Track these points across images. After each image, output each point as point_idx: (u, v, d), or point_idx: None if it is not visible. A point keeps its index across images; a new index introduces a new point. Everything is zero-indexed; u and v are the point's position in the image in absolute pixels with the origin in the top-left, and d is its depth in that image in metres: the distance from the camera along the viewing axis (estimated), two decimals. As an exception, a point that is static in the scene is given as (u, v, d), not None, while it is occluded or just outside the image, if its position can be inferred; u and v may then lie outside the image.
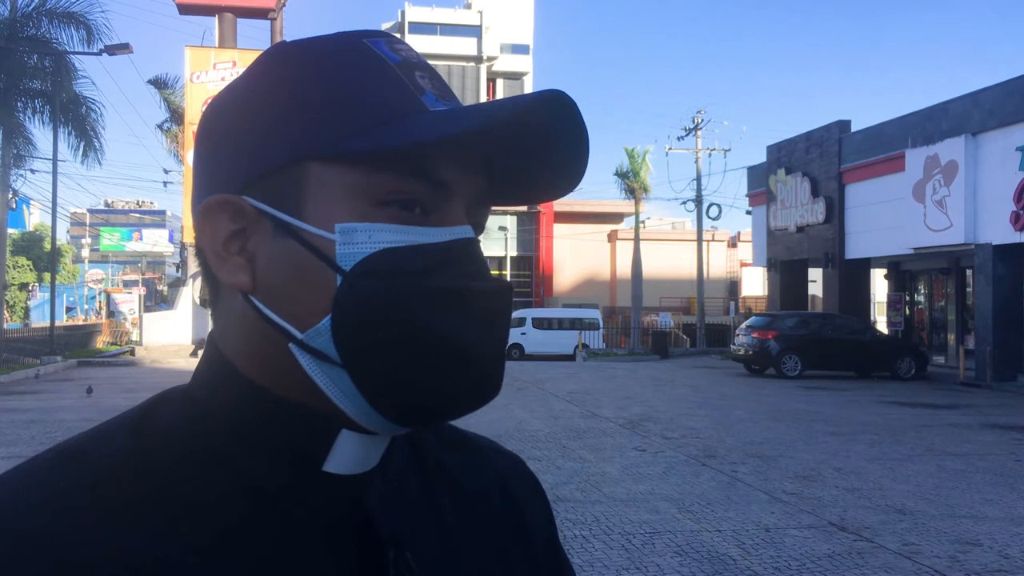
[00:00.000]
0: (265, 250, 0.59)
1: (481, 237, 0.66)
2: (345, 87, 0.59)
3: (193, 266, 26.97)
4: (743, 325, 22.86)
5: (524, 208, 47.15)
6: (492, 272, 0.62)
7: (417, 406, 0.58)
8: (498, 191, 0.65)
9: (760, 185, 29.18)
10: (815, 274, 28.09)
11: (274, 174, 0.58)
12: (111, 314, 40.67)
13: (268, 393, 0.60)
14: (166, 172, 43.29)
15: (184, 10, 27.83)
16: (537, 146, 0.62)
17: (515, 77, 58.29)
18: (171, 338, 27.12)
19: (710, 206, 36.50)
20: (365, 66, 0.60)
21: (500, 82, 57.96)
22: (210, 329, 0.65)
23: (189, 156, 25.82)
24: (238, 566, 0.56)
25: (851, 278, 24.78)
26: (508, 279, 0.62)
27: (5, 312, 27.45)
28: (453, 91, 0.64)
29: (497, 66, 58.00)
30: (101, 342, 33.78)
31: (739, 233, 50.14)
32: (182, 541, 0.55)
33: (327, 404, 0.58)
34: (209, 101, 0.64)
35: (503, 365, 0.61)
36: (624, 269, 43.36)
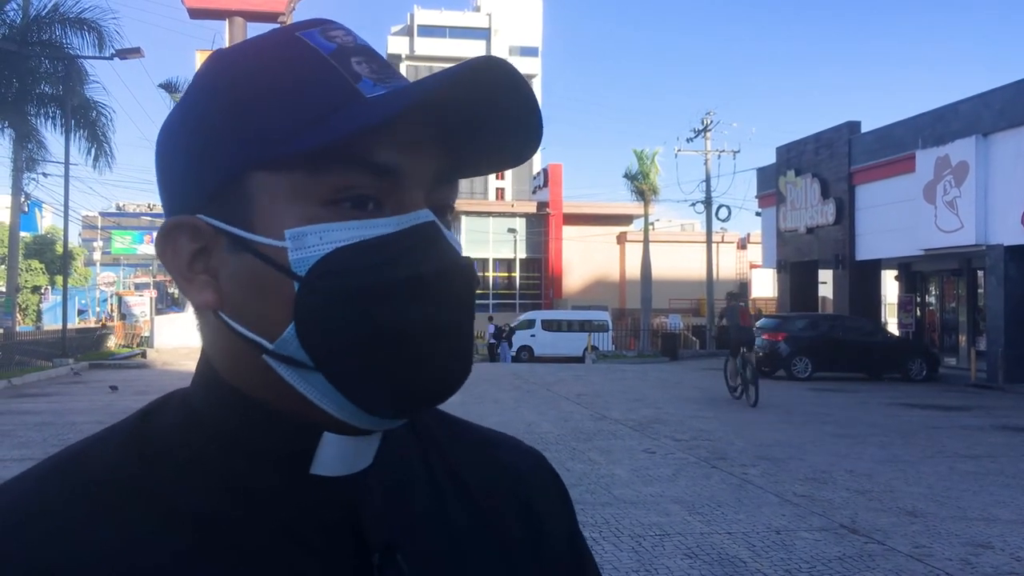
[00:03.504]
0: (225, 266, 0.59)
1: (463, 221, 0.65)
2: (276, 88, 0.58)
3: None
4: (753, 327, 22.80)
5: (534, 210, 47.17)
6: (460, 250, 0.61)
7: (395, 397, 0.58)
8: (461, 167, 0.63)
9: (770, 186, 29.11)
10: (825, 275, 27.98)
11: (222, 188, 0.58)
12: (123, 316, 40.80)
13: (250, 400, 0.60)
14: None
15: (194, 14, 27.92)
16: (482, 116, 0.60)
17: (524, 79, 58.26)
18: (182, 340, 27.24)
19: (719, 208, 36.48)
20: (296, 62, 0.59)
21: (509, 84, 57.94)
22: None
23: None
24: (220, 570, 0.56)
25: (861, 279, 24.69)
26: (468, 257, 0.61)
27: (17, 315, 27.61)
28: (396, 70, 0.62)
29: (506, 68, 57.94)
30: (113, 344, 33.93)
31: (749, 235, 50.05)
32: (165, 547, 0.55)
33: (308, 408, 0.59)
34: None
35: (471, 345, 0.60)
36: (633, 271, 43.31)
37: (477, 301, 0.66)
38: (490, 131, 0.62)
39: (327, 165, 0.56)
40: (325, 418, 0.59)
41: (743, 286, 49.34)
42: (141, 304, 41.25)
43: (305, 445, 0.60)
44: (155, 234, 0.61)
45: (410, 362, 0.57)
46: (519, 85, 0.58)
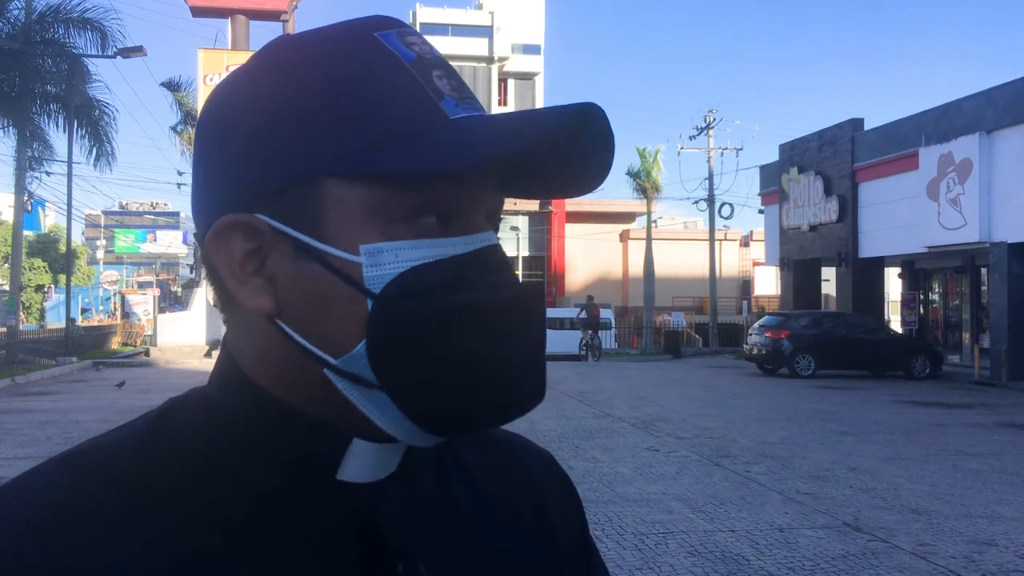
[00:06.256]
0: (286, 272, 0.56)
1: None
2: (360, 95, 0.55)
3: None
4: (756, 324, 22.78)
5: (536, 208, 47.13)
6: (524, 281, 0.60)
7: (462, 419, 0.56)
8: (517, 190, 0.63)
9: (772, 184, 29.07)
10: (828, 273, 27.97)
11: (288, 190, 0.55)
12: (126, 315, 40.80)
13: (282, 404, 0.58)
14: (180, 174, 43.53)
15: (197, 13, 27.94)
16: (565, 156, 0.59)
17: (526, 77, 58.28)
18: (185, 339, 27.22)
19: (722, 205, 36.40)
20: (379, 68, 0.56)
21: (511, 82, 57.98)
22: (224, 332, 0.64)
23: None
24: (238, 574, 0.55)
25: (865, 277, 24.65)
26: (538, 284, 0.61)
27: (21, 313, 27.65)
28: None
29: (508, 66, 57.98)
30: (116, 343, 33.95)
31: (752, 232, 49.95)
32: (183, 549, 0.54)
33: (352, 420, 0.57)
34: (207, 99, 0.61)
35: (545, 367, 0.59)
36: (636, 269, 43.26)
37: None
38: (565, 169, 0.61)
39: (409, 186, 0.54)
40: (370, 430, 0.57)
41: (746, 284, 49.32)
42: (144, 303, 41.24)
43: (332, 450, 0.59)
44: (210, 231, 0.57)
45: (480, 386, 0.55)
46: (608, 134, 0.58)
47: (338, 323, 0.55)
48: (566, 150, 0.58)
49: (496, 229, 0.61)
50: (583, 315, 26.68)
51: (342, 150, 0.54)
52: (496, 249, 0.58)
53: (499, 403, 0.57)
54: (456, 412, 0.56)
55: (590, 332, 26.55)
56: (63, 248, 40.37)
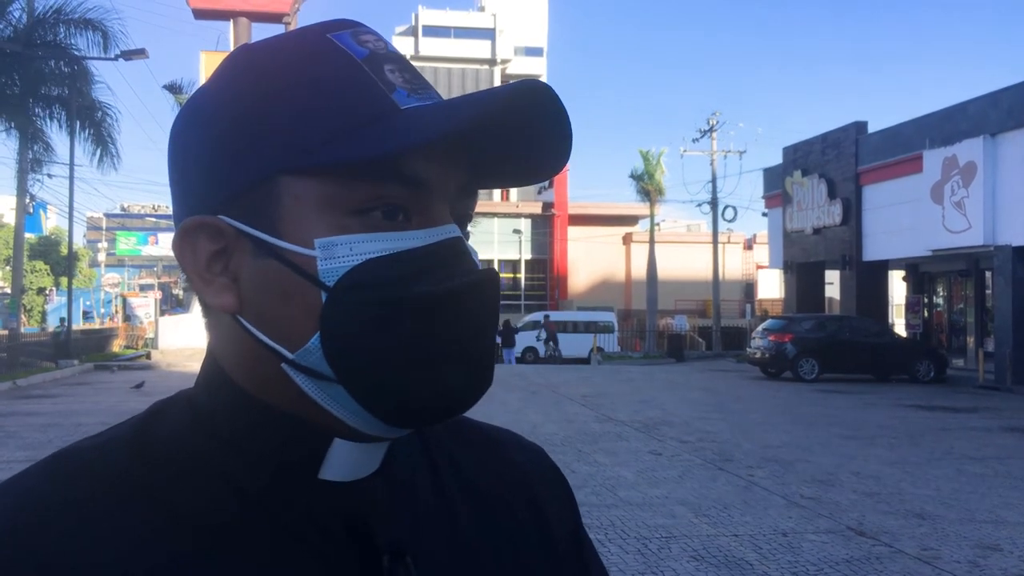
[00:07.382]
0: (247, 270, 0.58)
1: (471, 227, 0.64)
2: (311, 93, 0.57)
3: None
4: (759, 328, 22.74)
5: (539, 211, 47.14)
6: (480, 262, 0.60)
7: (417, 410, 0.57)
8: (483, 179, 0.63)
9: (776, 187, 29.05)
10: (832, 276, 27.91)
11: (248, 190, 0.57)
12: (127, 318, 40.86)
13: (262, 403, 0.59)
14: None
15: (199, 15, 28.01)
16: (517, 136, 0.60)
17: (529, 80, 58.37)
18: (186, 341, 27.24)
19: (725, 208, 36.41)
20: (330, 66, 0.58)
21: (514, 85, 58.06)
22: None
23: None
24: (225, 574, 0.55)
25: (868, 280, 24.62)
26: (494, 269, 0.60)
27: (22, 316, 27.66)
28: (429, 82, 0.62)
29: (511, 69, 58.07)
30: (117, 345, 33.97)
31: (755, 235, 49.97)
32: (173, 548, 0.55)
33: (322, 416, 0.58)
34: (174, 121, 0.63)
35: (493, 357, 0.60)
36: (639, 272, 43.27)
37: None
38: (521, 150, 0.62)
39: (360, 175, 0.55)
40: (339, 426, 0.58)
41: (749, 287, 49.33)
42: (145, 306, 41.30)
43: (314, 449, 0.59)
44: (174, 233, 0.60)
45: (435, 376, 0.56)
46: (558, 109, 0.58)
47: (294, 317, 0.56)
48: (513, 129, 0.59)
49: (465, 221, 0.62)
50: (543, 325, 32.04)
51: (295, 147, 0.56)
52: (456, 242, 0.58)
53: (452, 392, 0.58)
54: (411, 403, 0.57)
55: (551, 343, 31.18)
56: (65, 251, 40.41)
